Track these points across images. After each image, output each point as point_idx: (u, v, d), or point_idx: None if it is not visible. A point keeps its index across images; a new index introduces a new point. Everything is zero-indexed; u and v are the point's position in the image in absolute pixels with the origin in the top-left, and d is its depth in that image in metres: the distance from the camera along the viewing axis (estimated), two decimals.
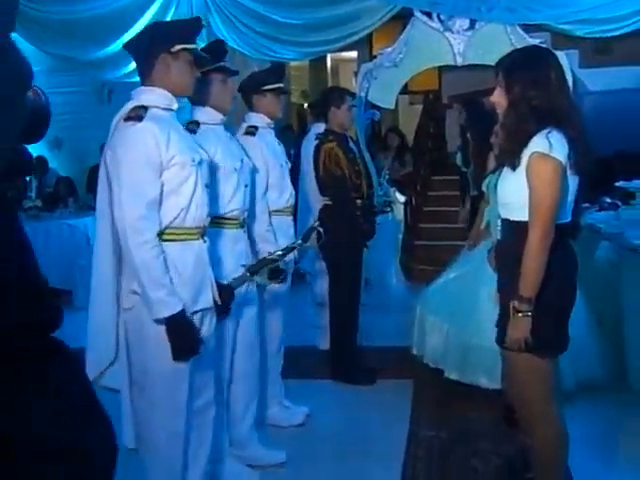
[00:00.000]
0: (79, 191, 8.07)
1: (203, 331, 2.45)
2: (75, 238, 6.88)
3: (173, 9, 6.25)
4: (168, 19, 6.22)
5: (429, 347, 3.96)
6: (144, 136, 2.20)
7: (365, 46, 8.72)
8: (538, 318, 2.32)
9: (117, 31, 5.94)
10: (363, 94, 6.61)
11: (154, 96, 2.30)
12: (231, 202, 2.88)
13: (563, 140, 2.28)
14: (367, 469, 3.13)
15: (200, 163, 2.37)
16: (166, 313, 2.21)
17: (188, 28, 2.38)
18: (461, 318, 3.77)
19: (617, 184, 4.55)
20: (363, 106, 6.66)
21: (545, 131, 2.28)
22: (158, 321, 2.23)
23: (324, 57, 11.13)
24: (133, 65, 6.47)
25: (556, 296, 2.37)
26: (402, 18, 6.55)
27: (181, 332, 2.24)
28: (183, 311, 2.25)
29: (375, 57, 6.85)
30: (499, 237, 2.51)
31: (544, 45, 5.97)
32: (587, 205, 4.58)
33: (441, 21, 6.27)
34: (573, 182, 2.35)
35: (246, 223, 3.01)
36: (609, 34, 5.99)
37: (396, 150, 7.59)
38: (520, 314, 2.31)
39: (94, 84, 8.48)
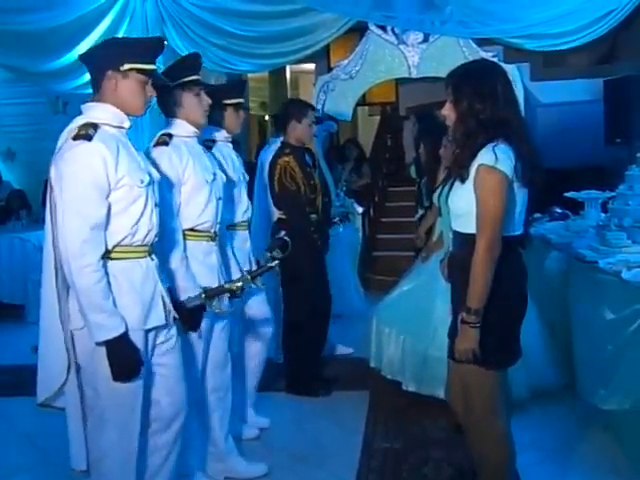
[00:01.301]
0: (33, 204, 7.93)
1: (159, 349, 2.40)
2: (27, 252, 6.75)
3: (127, 21, 6.20)
4: (122, 31, 6.18)
5: (386, 359, 3.97)
6: (92, 157, 2.13)
7: (323, 58, 8.75)
8: (486, 330, 2.33)
9: (70, 43, 5.87)
10: (320, 106, 6.66)
11: (105, 114, 2.24)
12: (202, 215, 2.86)
13: (509, 152, 2.31)
14: None
15: (150, 184, 2.33)
16: (105, 337, 2.16)
17: (144, 47, 2.30)
18: (417, 330, 3.78)
19: (567, 194, 4.63)
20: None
21: (492, 144, 2.31)
22: (99, 344, 2.18)
23: (283, 69, 11.14)
24: (86, 77, 6.38)
25: (504, 309, 2.39)
26: (359, 31, 6.61)
27: (120, 355, 2.18)
28: (124, 334, 2.19)
29: (333, 69, 6.90)
30: (451, 249, 2.55)
31: (496, 58, 6.11)
32: (538, 215, 4.68)
33: (395, 34, 6.36)
34: (522, 194, 2.38)
35: (217, 236, 2.99)
36: (558, 48, 6.13)
37: (354, 161, 7.63)
38: (468, 325, 2.33)
39: (49, 95, 8.35)
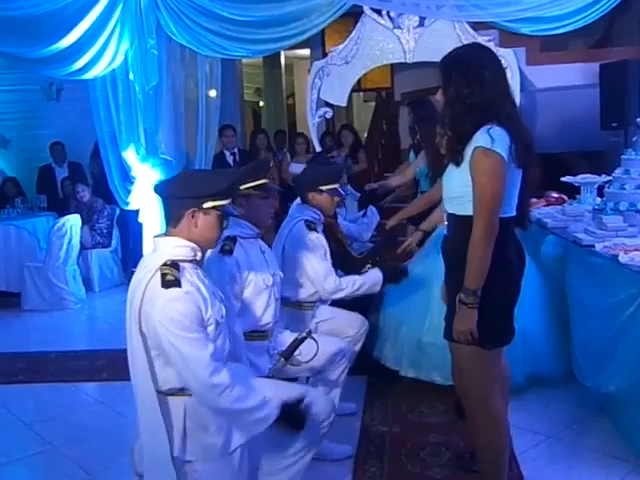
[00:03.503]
0: (27, 191, 7.91)
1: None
2: (23, 239, 6.77)
3: (120, 6, 6.12)
4: (115, 16, 6.12)
5: (387, 348, 3.92)
6: (187, 303, 2.13)
7: (318, 43, 8.73)
8: (482, 310, 2.36)
9: (63, 28, 5.81)
10: (315, 91, 6.63)
11: (181, 250, 2.22)
12: (262, 318, 2.91)
13: (504, 134, 2.32)
14: (319, 465, 3.13)
15: (221, 323, 2.32)
16: (272, 419, 2.24)
17: (224, 184, 2.29)
18: (414, 316, 3.78)
19: (563, 179, 4.63)
20: (315, 104, 6.68)
21: (487, 127, 2.32)
22: None
23: (278, 55, 11.10)
24: (79, 64, 6.34)
25: (501, 289, 2.40)
26: (354, 15, 6.56)
27: (290, 419, 2.29)
28: (282, 408, 2.27)
29: (328, 54, 6.86)
30: (446, 232, 2.55)
31: (492, 43, 6.08)
32: (534, 200, 4.67)
33: (391, 18, 6.31)
34: (517, 175, 2.39)
35: (273, 334, 3.02)
36: (554, 32, 6.09)
37: (350, 147, 7.62)
38: (466, 306, 2.35)
39: (42, 82, 8.31)
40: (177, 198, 2.23)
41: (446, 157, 2.49)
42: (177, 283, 2.12)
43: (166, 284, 2.12)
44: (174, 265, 2.16)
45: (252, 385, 2.31)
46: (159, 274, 2.14)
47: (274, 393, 2.34)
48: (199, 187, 2.24)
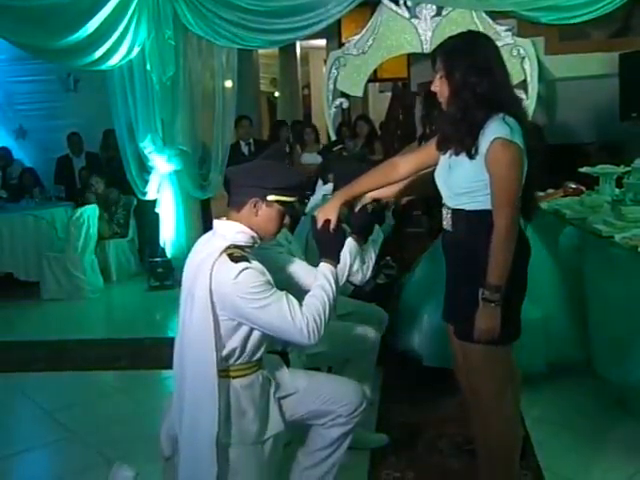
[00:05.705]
0: (45, 181, 7.97)
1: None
2: (41, 229, 6.83)
3: None
4: (132, 6, 6.13)
5: (410, 339, 3.91)
6: (260, 271, 2.18)
7: (334, 34, 8.69)
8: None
9: (82, 19, 5.81)
10: (332, 82, 6.61)
11: (243, 236, 2.27)
12: None
13: (517, 124, 2.24)
14: None
15: None
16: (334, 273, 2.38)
17: (290, 182, 2.32)
18: (436, 305, 3.76)
19: (581, 170, 4.58)
20: (332, 94, 6.66)
21: (499, 116, 2.24)
22: None
23: (293, 45, 11.07)
24: (97, 54, 6.33)
25: (514, 283, 2.31)
26: (371, 5, 6.53)
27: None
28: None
29: (344, 45, 6.84)
30: (449, 228, 2.44)
31: (510, 32, 6.04)
32: (551, 190, 4.64)
33: (408, 8, 6.27)
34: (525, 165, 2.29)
35: None
36: (574, 21, 6.01)
37: (365, 138, 7.61)
38: (493, 304, 2.25)
39: (60, 73, 8.36)
40: (243, 185, 2.28)
41: (451, 148, 2.36)
42: (246, 258, 2.18)
43: (235, 259, 2.16)
44: (238, 247, 2.22)
45: (311, 293, 2.32)
46: (225, 255, 2.17)
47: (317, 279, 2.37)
48: (266, 179, 2.28)
